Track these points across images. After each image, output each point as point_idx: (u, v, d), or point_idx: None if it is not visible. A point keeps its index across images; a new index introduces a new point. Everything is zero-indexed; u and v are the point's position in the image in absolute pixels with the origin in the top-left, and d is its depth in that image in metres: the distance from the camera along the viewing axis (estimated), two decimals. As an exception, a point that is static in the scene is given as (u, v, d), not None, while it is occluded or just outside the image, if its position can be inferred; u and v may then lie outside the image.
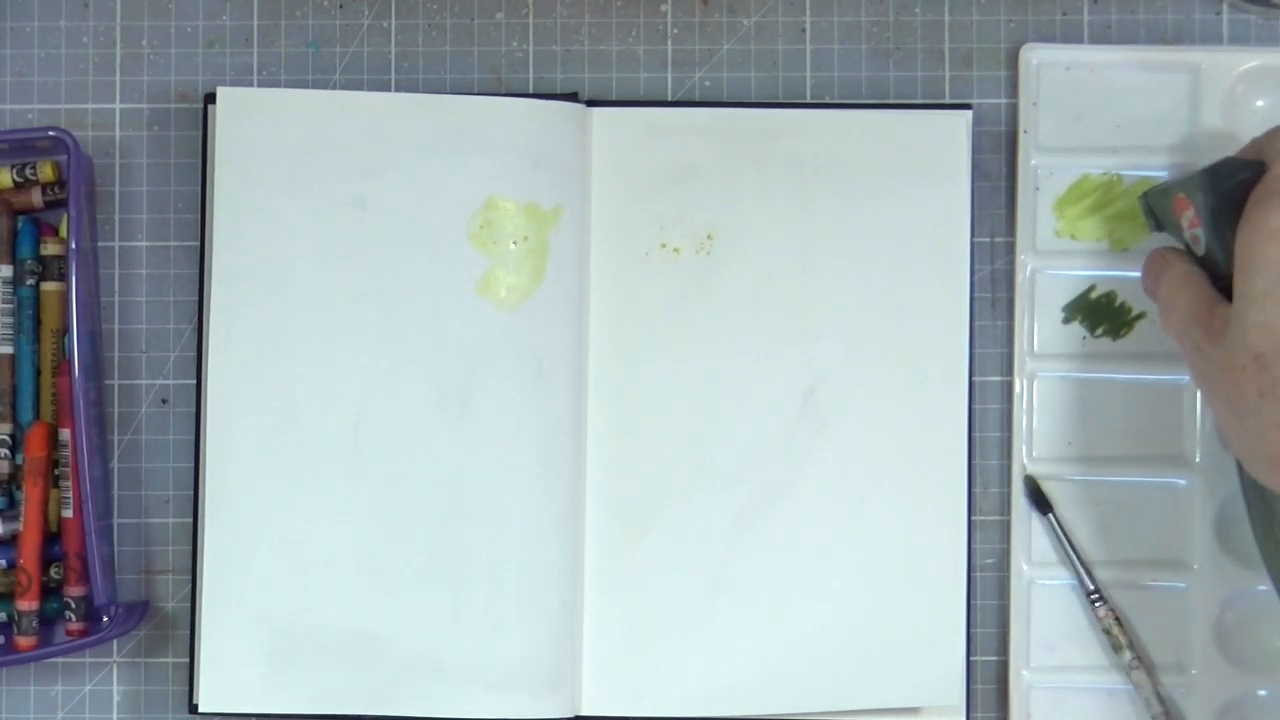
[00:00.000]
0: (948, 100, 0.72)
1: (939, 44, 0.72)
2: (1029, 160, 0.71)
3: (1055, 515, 0.70)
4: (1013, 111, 0.72)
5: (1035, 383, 0.71)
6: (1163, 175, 0.71)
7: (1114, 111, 0.71)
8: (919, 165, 0.70)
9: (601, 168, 0.70)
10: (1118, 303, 0.71)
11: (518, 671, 0.68)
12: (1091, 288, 0.71)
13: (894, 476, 0.70)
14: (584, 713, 0.69)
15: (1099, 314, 0.71)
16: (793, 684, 0.69)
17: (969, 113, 0.71)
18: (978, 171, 0.71)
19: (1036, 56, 0.71)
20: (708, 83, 0.72)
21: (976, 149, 0.71)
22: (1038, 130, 0.71)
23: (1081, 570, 0.70)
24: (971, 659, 0.70)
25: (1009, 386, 0.71)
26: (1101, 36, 0.72)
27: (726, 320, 0.70)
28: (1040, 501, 0.70)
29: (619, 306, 0.70)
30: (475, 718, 0.68)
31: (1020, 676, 0.70)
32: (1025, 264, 0.71)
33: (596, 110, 0.71)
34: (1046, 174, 0.71)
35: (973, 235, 0.70)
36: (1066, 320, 0.71)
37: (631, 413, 0.70)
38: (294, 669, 0.68)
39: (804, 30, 0.72)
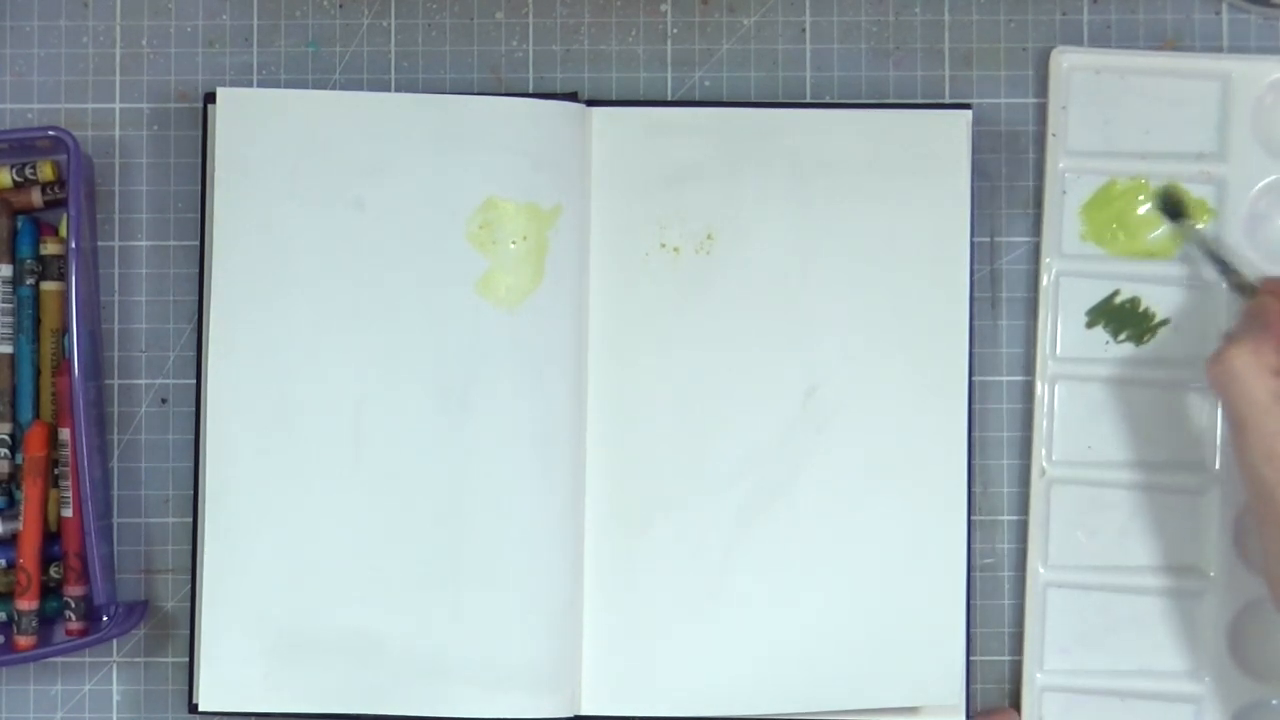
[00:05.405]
0: (947, 100, 0.72)
1: (939, 44, 0.72)
2: (1056, 164, 0.71)
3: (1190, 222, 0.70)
4: (1012, 111, 0.72)
5: (1057, 386, 0.71)
6: (1189, 184, 0.71)
7: (1143, 117, 0.71)
8: (919, 165, 0.70)
9: (601, 167, 0.70)
10: (1141, 308, 0.71)
11: (518, 671, 0.68)
12: (1115, 293, 0.71)
13: (894, 476, 0.70)
14: (584, 713, 0.69)
15: (1122, 319, 0.71)
16: (793, 684, 0.69)
17: (969, 113, 0.71)
18: (977, 171, 0.71)
19: (1067, 60, 0.71)
20: (708, 82, 0.72)
21: (976, 149, 0.71)
22: (1066, 134, 0.71)
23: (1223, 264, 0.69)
24: (971, 659, 0.70)
25: (1025, 388, 0.71)
26: (1101, 36, 0.72)
27: (726, 320, 0.70)
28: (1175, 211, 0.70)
29: (619, 306, 0.70)
30: (475, 718, 0.68)
31: (1034, 679, 0.70)
32: (1050, 267, 0.71)
33: (596, 110, 0.71)
34: (1074, 178, 0.71)
35: (972, 235, 0.70)
36: (1089, 325, 0.71)
37: (631, 412, 0.70)
38: (294, 669, 0.68)
39: (804, 30, 0.72)
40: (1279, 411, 0.62)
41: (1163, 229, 0.71)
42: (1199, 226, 0.70)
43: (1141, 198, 0.71)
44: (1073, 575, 0.71)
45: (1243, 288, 0.67)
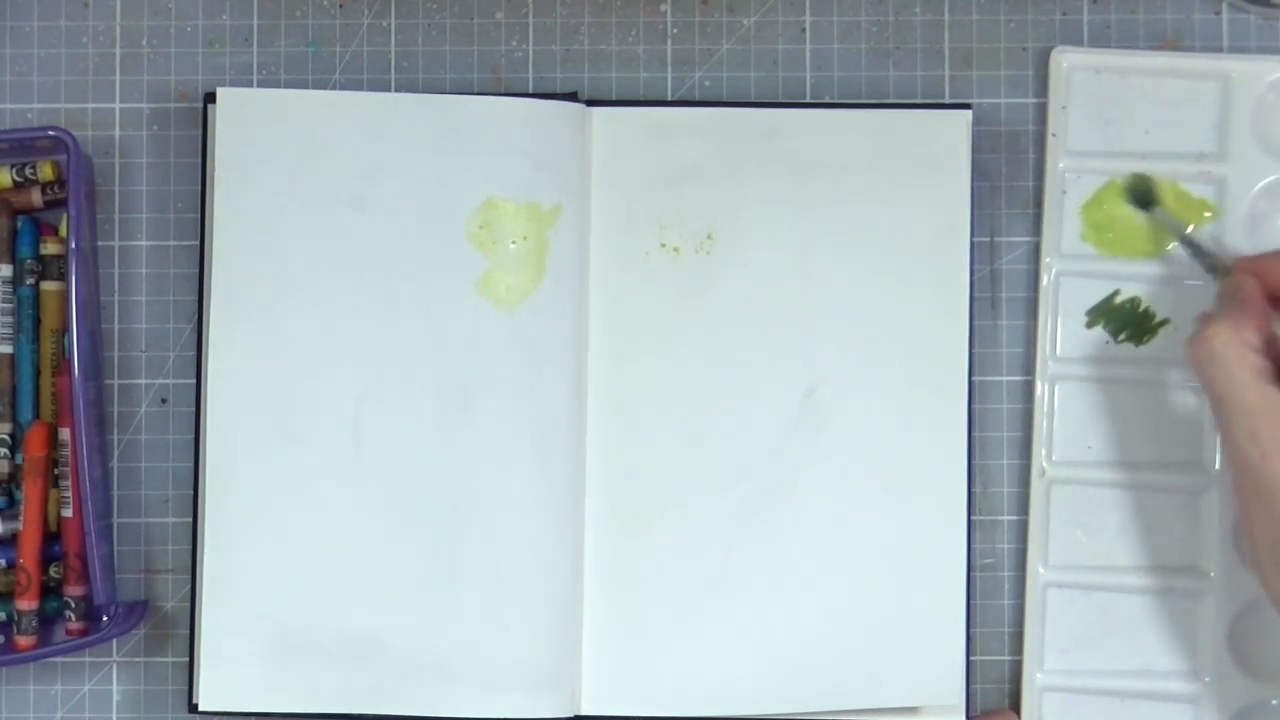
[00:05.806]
0: (947, 100, 0.72)
1: (939, 44, 0.72)
2: (1056, 164, 0.71)
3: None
4: (1012, 111, 0.72)
5: (1057, 386, 0.71)
6: (1189, 183, 0.71)
7: (1143, 117, 0.71)
8: (919, 165, 0.70)
9: (601, 167, 0.70)
10: (1141, 308, 0.71)
11: (518, 671, 0.68)
12: (1116, 293, 0.71)
13: (894, 476, 0.70)
14: (584, 713, 0.69)
15: (1122, 319, 0.71)
16: (792, 684, 0.69)
17: (969, 113, 0.71)
18: (977, 171, 0.71)
19: (1067, 60, 0.71)
20: (707, 82, 0.72)
21: (976, 149, 0.71)
22: (1066, 134, 0.71)
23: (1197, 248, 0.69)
24: (972, 659, 0.70)
25: (1025, 388, 0.71)
26: (1101, 36, 0.72)
27: (726, 320, 0.70)
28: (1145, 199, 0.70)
29: (619, 306, 0.70)
30: (475, 717, 0.68)
31: (1034, 679, 0.70)
32: (1050, 267, 0.71)
33: (596, 110, 0.71)
34: (1074, 178, 0.71)
35: (972, 235, 0.70)
36: (1089, 325, 0.71)
37: (631, 412, 0.70)
38: (294, 669, 0.68)
39: (804, 30, 0.72)
40: (1261, 387, 0.61)
41: (1155, 224, 0.71)
42: (1169, 214, 0.70)
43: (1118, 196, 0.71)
44: (1073, 575, 0.71)
45: (1217, 268, 0.67)
